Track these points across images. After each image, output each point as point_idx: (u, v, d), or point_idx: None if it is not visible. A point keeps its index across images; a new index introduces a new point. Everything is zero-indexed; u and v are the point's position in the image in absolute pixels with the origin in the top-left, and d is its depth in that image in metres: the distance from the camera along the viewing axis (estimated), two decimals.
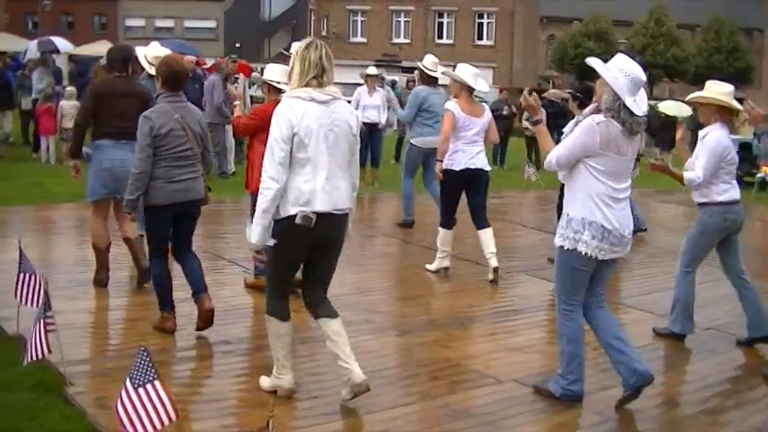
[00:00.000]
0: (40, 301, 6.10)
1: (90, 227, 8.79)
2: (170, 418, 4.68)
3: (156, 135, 6.91)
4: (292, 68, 5.78)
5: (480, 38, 62.93)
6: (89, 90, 8.67)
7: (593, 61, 6.08)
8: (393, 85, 27.87)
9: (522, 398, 6.37)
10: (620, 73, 5.86)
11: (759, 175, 21.10)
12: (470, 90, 9.92)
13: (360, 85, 17.26)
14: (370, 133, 16.74)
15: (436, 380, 6.67)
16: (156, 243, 7.24)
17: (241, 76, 19.77)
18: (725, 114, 7.74)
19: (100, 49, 33.75)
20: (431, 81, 12.35)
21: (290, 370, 6.03)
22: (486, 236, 9.93)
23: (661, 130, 25.97)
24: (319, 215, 5.62)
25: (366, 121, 16.38)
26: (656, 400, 6.54)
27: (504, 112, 23.69)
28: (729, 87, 7.80)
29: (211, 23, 74.00)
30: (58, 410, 5.56)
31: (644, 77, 5.95)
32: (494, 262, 9.87)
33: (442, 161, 9.82)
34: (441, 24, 64.31)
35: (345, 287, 9.38)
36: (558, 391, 6.30)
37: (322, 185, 5.64)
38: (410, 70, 53.91)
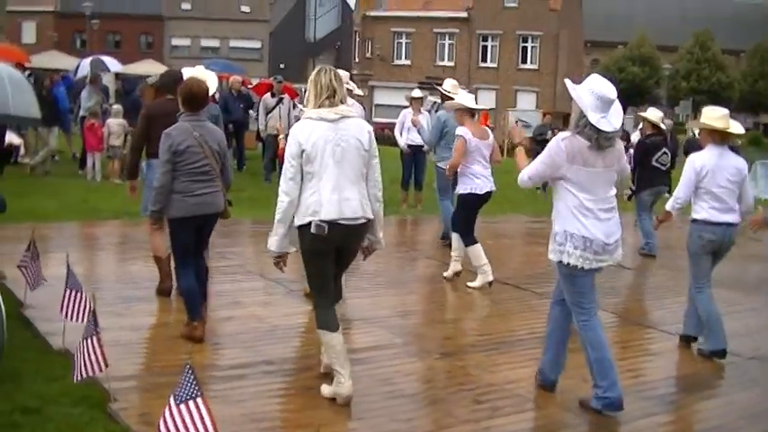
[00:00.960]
0: (86, 317, 6.16)
1: (149, 241, 9.08)
2: None
3: (175, 151, 7.37)
4: (308, 93, 6.31)
5: (524, 61, 62.82)
6: (142, 113, 9.04)
7: (566, 82, 6.61)
8: (437, 107, 27.80)
9: (564, 423, 6.36)
10: (587, 92, 6.24)
11: None
12: (472, 114, 10.57)
13: (405, 107, 17.24)
14: (415, 155, 16.68)
15: (478, 404, 6.65)
16: (180, 254, 7.66)
17: (286, 97, 19.88)
18: (717, 137, 8.14)
19: (146, 68, 34.20)
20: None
21: (348, 378, 6.25)
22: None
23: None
24: (330, 224, 6.05)
25: (410, 143, 16.35)
26: (696, 427, 6.49)
27: (548, 137, 23.58)
28: (723, 111, 8.21)
29: (256, 44, 74.64)
30: (102, 426, 5.61)
31: (612, 96, 6.25)
32: (457, 266, 10.75)
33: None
34: (485, 48, 64.29)
35: (387, 309, 9.40)
36: (598, 405, 6.46)
37: (328, 197, 6.08)
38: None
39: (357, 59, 69.21)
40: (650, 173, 13.64)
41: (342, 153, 6.14)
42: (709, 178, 8.03)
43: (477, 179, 10.36)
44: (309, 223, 6.08)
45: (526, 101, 60.25)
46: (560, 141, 6.32)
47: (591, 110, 6.18)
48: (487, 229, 13.66)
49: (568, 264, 6.34)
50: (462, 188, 10.49)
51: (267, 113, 19.61)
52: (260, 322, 7.46)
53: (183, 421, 4.72)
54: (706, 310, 8.17)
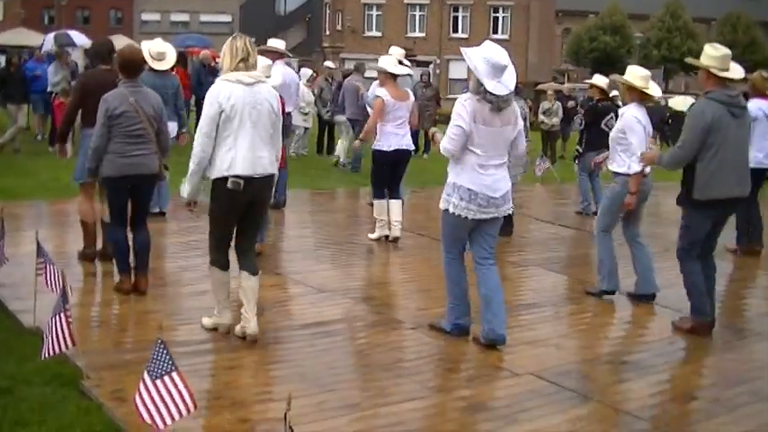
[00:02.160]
0: (59, 293, 6.11)
1: (78, 205, 9.40)
2: (188, 409, 4.68)
3: (110, 115, 7.72)
4: (224, 56, 6.76)
5: (496, 32, 62.69)
6: (77, 83, 9.51)
7: (462, 50, 6.94)
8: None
9: (538, 391, 6.35)
10: (481, 60, 6.74)
11: None
12: (394, 77, 11.14)
13: (375, 79, 17.13)
14: None
15: (452, 373, 6.68)
16: (113, 212, 8.08)
17: None
18: (636, 95, 8.76)
19: (116, 43, 33.84)
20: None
21: (230, 310, 7.07)
22: (397, 205, 11.31)
23: (671, 125, 26.13)
24: (246, 179, 6.62)
25: None
26: (672, 393, 6.55)
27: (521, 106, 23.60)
28: (646, 72, 8.88)
29: (227, 18, 74.07)
30: (74, 404, 5.57)
31: (505, 62, 6.76)
32: (396, 232, 11.20)
33: (364, 140, 11.85)
34: (456, 18, 64.21)
35: (360, 280, 9.43)
36: (448, 326, 7.34)
37: (243, 154, 6.63)
38: (425, 64, 53.93)
39: (328, 32, 68.90)
40: (597, 135, 13.76)
41: (257, 115, 6.70)
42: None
43: (389, 137, 11.02)
44: (225, 178, 6.60)
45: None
46: (463, 102, 6.87)
47: (486, 77, 6.70)
48: None
49: (453, 213, 6.97)
50: (375, 144, 11.23)
51: None
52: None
53: (162, 397, 4.71)
54: (608, 253, 8.92)
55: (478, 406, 6.04)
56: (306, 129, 21.52)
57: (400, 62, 12.47)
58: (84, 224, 9.23)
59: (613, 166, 8.85)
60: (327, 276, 9.32)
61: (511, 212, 7.43)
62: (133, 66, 8.02)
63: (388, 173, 11.25)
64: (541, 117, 23.37)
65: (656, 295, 8.88)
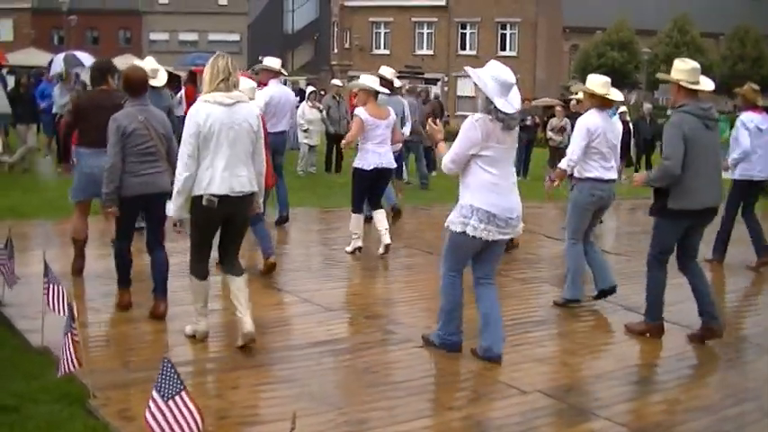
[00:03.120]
0: (65, 313, 6.13)
1: (72, 223, 9.49)
2: (199, 429, 4.70)
3: (122, 133, 7.76)
4: (205, 75, 6.91)
5: (504, 49, 62.74)
6: (71, 103, 9.65)
7: (468, 69, 7.03)
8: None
9: (546, 409, 6.35)
10: (490, 79, 6.80)
11: None
12: (375, 95, 11.28)
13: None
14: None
15: (460, 391, 6.67)
16: (122, 227, 8.18)
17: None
18: (596, 102, 8.98)
19: (125, 62, 33.97)
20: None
21: (206, 318, 7.38)
22: (381, 215, 11.40)
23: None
24: (220, 198, 6.82)
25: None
26: (680, 410, 6.52)
27: (528, 122, 23.61)
28: (605, 79, 9.10)
29: (235, 36, 74.45)
30: (81, 422, 5.58)
31: (512, 80, 6.85)
32: (386, 239, 11.23)
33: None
34: (464, 36, 64.31)
35: (367, 298, 9.41)
36: (437, 341, 7.41)
37: (220, 173, 6.82)
38: (433, 82, 54.07)
39: (336, 50, 69.11)
40: None
41: (235, 135, 6.84)
42: (600, 139, 8.84)
43: (368, 155, 11.10)
44: (202, 196, 6.84)
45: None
46: (474, 122, 6.87)
47: (496, 95, 6.75)
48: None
49: (471, 236, 6.93)
50: (355, 162, 11.34)
51: None
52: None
53: (174, 415, 4.74)
54: (576, 263, 9.10)
55: (487, 424, 6.03)
56: (311, 146, 21.54)
57: (388, 82, 12.64)
58: (76, 241, 9.41)
59: (574, 173, 9.09)
60: (334, 295, 9.32)
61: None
62: (135, 84, 8.05)
63: (367, 190, 11.34)
64: (549, 134, 23.33)
65: (616, 288, 9.21)
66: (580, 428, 6.04)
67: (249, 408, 6.10)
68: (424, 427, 5.93)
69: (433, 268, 10.58)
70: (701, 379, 7.42)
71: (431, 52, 64.56)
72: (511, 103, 6.84)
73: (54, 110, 19.88)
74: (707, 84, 8.01)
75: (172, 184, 7.85)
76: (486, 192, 6.89)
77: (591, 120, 8.87)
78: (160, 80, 11.05)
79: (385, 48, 65.75)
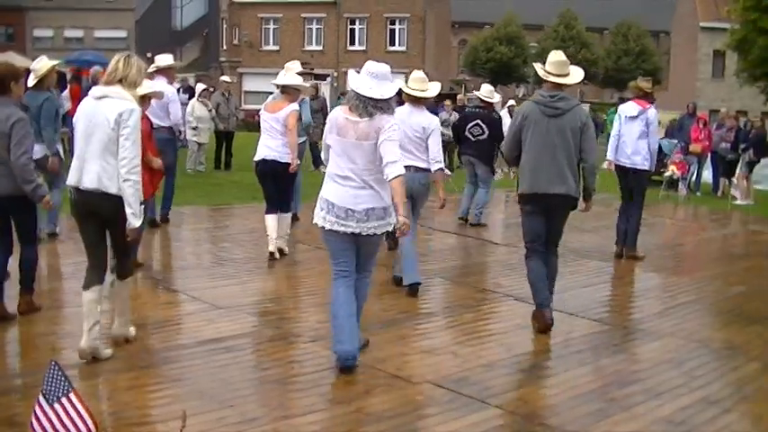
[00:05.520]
0: None
1: None
2: (89, 430, 4.62)
3: None
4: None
5: (393, 44, 62.98)
6: None
7: (351, 72, 7.05)
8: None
9: (436, 398, 6.41)
10: (360, 75, 6.75)
11: (666, 174, 21.57)
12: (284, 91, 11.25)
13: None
14: None
15: (350, 384, 6.68)
16: None
17: None
18: (412, 99, 9.57)
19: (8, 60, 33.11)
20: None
21: (86, 332, 6.73)
22: (272, 219, 11.13)
23: None
24: (74, 189, 6.69)
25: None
26: (569, 395, 6.65)
27: None
28: (422, 75, 9.81)
29: (122, 33, 73.02)
30: None
31: (383, 70, 6.73)
32: (270, 246, 11.06)
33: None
34: (353, 31, 64.33)
35: (258, 295, 9.39)
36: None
37: (73, 163, 6.75)
38: (323, 77, 53.99)
39: (225, 47, 68.53)
40: (462, 142, 15.09)
41: (92, 129, 6.64)
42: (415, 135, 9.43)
43: (258, 148, 11.10)
44: None
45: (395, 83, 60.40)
46: (333, 111, 7.04)
47: (359, 83, 6.70)
48: None
49: (318, 225, 6.84)
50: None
51: None
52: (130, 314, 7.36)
53: (61, 420, 4.61)
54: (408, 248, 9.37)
55: (377, 416, 6.05)
56: (200, 144, 21.34)
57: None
58: None
59: None
60: (224, 292, 9.24)
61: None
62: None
63: (262, 184, 11.26)
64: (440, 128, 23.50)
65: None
66: (471, 417, 6.10)
67: (140, 408, 6.02)
68: (316, 420, 5.93)
69: (323, 264, 10.65)
70: (588, 364, 7.57)
71: (320, 48, 64.42)
72: (377, 90, 6.64)
73: None
74: (574, 76, 8.31)
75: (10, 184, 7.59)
76: (330, 181, 6.83)
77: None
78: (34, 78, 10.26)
79: (274, 44, 65.34)
